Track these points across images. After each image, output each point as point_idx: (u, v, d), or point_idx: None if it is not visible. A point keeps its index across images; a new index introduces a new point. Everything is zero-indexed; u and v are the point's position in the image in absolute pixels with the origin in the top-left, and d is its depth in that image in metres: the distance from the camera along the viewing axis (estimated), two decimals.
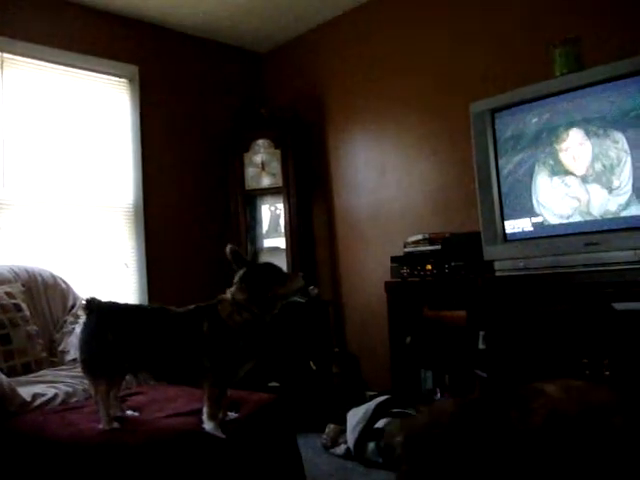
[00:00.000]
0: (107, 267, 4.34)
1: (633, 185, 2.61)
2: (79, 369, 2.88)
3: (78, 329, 3.37)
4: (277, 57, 5.38)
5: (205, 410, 2.23)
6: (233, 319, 2.25)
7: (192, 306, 2.35)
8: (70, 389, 2.80)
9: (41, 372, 3.06)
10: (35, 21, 4.06)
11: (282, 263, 4.48)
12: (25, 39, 3.98)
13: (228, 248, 2.33)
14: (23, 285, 3.39)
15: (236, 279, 2.33)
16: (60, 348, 3.35)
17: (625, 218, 2.63)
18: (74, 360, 3.19)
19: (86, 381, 2.69)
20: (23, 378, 2.91)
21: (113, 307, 2.40)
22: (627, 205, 2.63)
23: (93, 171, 4.33)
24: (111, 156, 4.45)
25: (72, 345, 3.32)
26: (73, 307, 3.59)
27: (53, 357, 3.31)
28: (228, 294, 2.31)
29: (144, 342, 2.30)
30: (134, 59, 4.61)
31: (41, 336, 3.29)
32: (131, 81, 4.60)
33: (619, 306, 2.53)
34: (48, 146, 4.10)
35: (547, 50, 3.07)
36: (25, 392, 2.62)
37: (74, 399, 2.75)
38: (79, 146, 4.26)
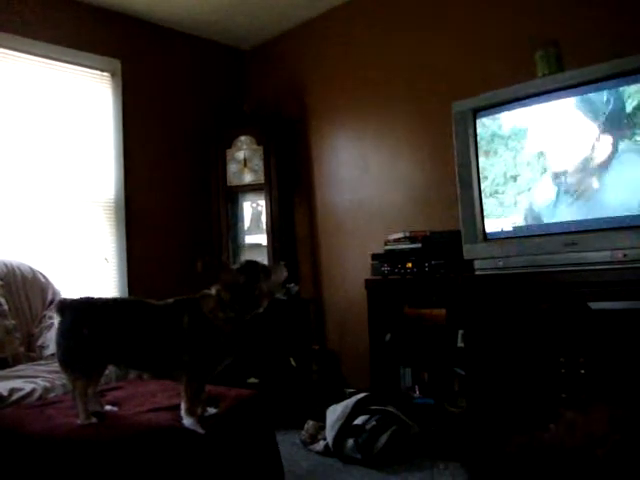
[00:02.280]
0: (87, 261, 4.31)
1: (612, 187, 2.65)
2: (57, 364, 2.88)
3: (57, 324, 3.36)
4: (260, 54, 5.37)
5: (183, 405, 2.23)
6: (216, 315, 2.24)
7: (171, 300, 2.34)
8: (48, 384, 2.79)
9: (19, 367, 3.04)
10: (15, 12, 4.01)
11: (263, 260, 4.48)
12: (5, 30, 3.94)
13: (198, 264, 2.29)
14: (1, 279, 3.36)
15: (221, 276, 2.32)
16: (38, 343, 3.33)
17: (603, 220, 2.67)
18: (53, 355, 3.16)
19: (64, 376, 2.68)
20: (0, 373, 2.89)
21: (89, 302, 2.37)
22: (605, 207, 2.67)
23: (74, 165, 4.29)
24: (93, 150, 4.42)
25: (51, 340, 3.30)
26: (52, 302, 3.56)
27: (31, 352, 3.29)
28: (213, 290, 2.31)
29: (122, 336, 2.28)
30: (117, 53, 4.58)
31: (19, 331, 3.27)
32: (114, 75, 4.57)
33: (595, 305, 2.56)
34: (28, 139, 4.06)
35: (530, 52, 3.11)
36: (2, 387, 2.61)
37: (52, 394, 2.73)
38: (60, 139, 4.23)
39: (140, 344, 2.28)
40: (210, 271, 2.31)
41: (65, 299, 2.35)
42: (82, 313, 2.30)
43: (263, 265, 2.39)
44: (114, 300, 2.53)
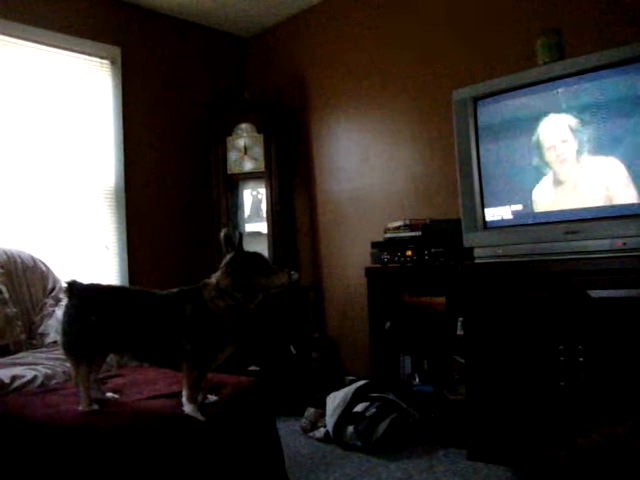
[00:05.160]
0: (87, 249, 4.32)
1: (612, 176, 2.65)
2: (59, 351, 2.88)
3: (58, 312, 3.37)
4: (261, 41, 5.35)
5: (184, 393, 2.24)
6: (216, 304, 2.25)
7: (175, 289, 2.36)
8: (49, 371, 2.80)
9: (20, 354, 3.05)
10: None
11: (263, 248, 4.50)
12: (4, 17, 3.92)
13: (223, 232, 2.35)
14: (2, 267, 3.36)
15: (222, 263, 2.34)
16: (39, 330, 3.34)
17: (603, 208, 2.67)
18: (54, 342, 3.18)
19: (66, 363, 2.70)
20: (1, 360, 2.90)
21: (95, 289, 2.40)
22: (605, 195, 2.67)
23: (74, 153, 4.28)
24: (92, 138, 4.41)
25: (52, 328, 3.31)
26: (53, 290, 3.57)
27: (32, 339, 3.30)
28: (213, 279, 2.32)
29: (126, 324, 2.30)
30: (117, 40, 4.56)
31: (20, 318, 3.28)
32: (113, 63, 4.56)
33: (594, 294, 2.57)
34: (28, 127, 4.05)
35: (532, 39, 3.10)
36: (4, 374, 2.61)
37: (53, 381, 2.74)
38: (60, 127, 4.21)
39: (144, 333, 2.29)
40: (229, 244, 2.34)
41: (75, 281, 2.37)
42: (89, 298, 2.32)
43: (267, 262, 2.40)
44: (120, 288, 2.54)
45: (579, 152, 2.75)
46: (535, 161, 2.90)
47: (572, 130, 2.77)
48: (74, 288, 2.35)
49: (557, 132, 2.82)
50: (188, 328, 2.23)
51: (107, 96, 4.52)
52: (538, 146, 2.89)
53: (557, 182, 2.83)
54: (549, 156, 2.85)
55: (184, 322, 2.23)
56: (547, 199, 2.87)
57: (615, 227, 2.60)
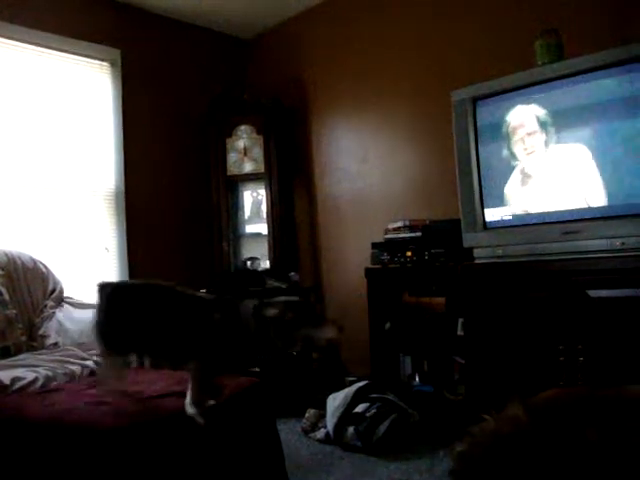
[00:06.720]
0: (88, 251, 4.32)
1: (609, 175, 2.65)
2: (59, 353, 2.91)
3: (59, 313, 3.38)
4: (261, 43, 5.36)
5: (190, 395, 2.22)
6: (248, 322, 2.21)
7: (212, 295, 2.34)
8: (50, 373, 2.79)
9: (21, 356, 3.05)
10: (15, 1, 4.00)
11: (263, 249, 4.52)
12: (5, 19, 3.93)
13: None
14: (2, 269, 3.36)
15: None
16: (40, 332, 3.34)
17: (601, 208, 2.68)
18: (54, 344, 3.19)
19: (66, 365, 2.71)
20: (2, 362, 2.90)
21: (127, 285, 2.41)
22: (604, 195, 2.67)
23: (74, 155, 4.29)
24: (92, 140, 4.41)
25: (52, 329, 3.31)
26: (53, 291, 3.57)
27: (33, 341, 3.30)
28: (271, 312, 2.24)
29: (153, 322, 2.26)
30: (117, 43, 4.56)
31: (20, 320, 3.28)
32: (113, 65, 4.56)
33: (594, 293, 2.57)
34: (28, 129, 4.06)
35: (531, 40, 3.10)
36: (5, 375, 2.61)
37: (54, 383, 2.73)
38: (60, 129, 4.22)
39: (166, 331, 2.25)
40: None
41: (105, 282, 2.40)
42: (122, 297, 2.34)
43: (322, 319, 2.39)
44: (154, 285, 2.45)
45: (577, 152, 2.75)
46: (534, 161, 2.90)
47: (569, 131, 2.78)
48: (106, 287, 2.36)
49: (555, 132, 2.82)
50: (212, 334, 2.19)
51: (107, 98, 4.53)
52: (536, 146, 2.89)
53: (555, 182, 2.83)
54: (547, 156, 2.85)
55: (209, 328, 2.19)
56: (546, 199, 2.87)
57: (613, 227, 2.61)
